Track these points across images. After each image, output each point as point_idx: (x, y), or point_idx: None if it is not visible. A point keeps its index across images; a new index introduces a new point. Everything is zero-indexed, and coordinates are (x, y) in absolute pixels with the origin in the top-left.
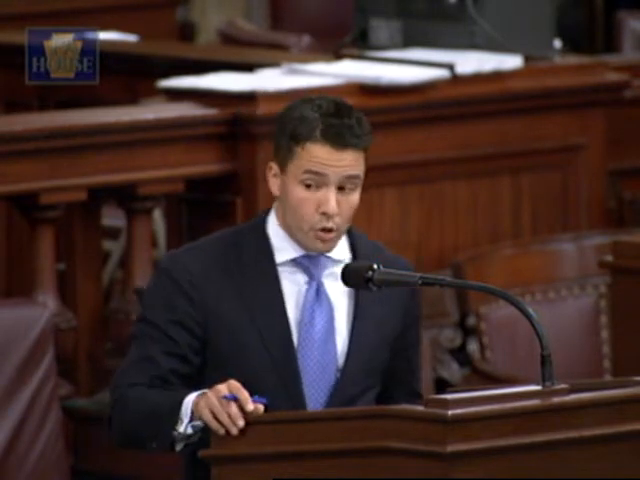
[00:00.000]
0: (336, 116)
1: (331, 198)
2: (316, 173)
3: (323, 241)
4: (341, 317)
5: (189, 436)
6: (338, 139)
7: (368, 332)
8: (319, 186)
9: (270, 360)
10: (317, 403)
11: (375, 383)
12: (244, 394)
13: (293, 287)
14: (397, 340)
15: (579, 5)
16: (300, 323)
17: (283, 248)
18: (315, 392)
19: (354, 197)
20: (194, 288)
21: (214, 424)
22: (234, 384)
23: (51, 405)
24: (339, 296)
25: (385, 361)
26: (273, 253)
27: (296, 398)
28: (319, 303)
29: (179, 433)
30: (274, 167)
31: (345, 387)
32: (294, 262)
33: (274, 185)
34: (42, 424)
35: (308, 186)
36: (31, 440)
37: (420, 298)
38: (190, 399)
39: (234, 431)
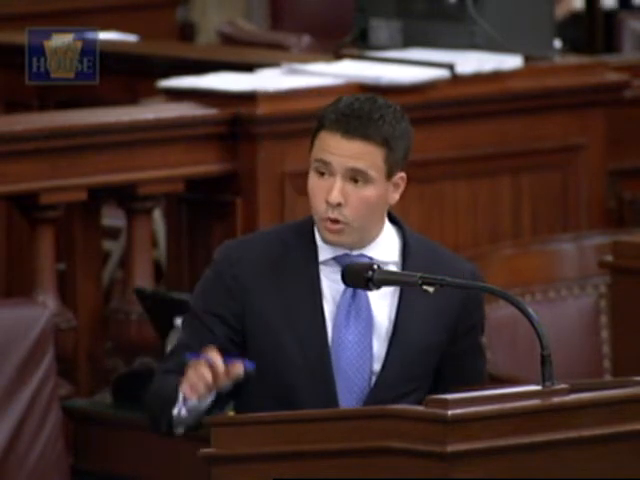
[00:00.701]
0: (357, 108)
1: (335, 187)
2: (322, 161)
3: (330, 231)
4: (381, 320)
5: (186, 419)
6: (346, 127)
7: (410, 337)
8: (330, 175)
9: (304, 358)
10: (350, 404)
11: (415, 388)
12: (213, 354)
13: (333, 286)
14: (448, 346)
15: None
16: (335, 324)
17: (326, 246)
18: (349, 393)
19: (367, 192)
20: (236, 282)
21: (188, 392)
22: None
23: (51, 405)
24: (381, 298)
25: (430, 365)
26: (317, 251)
27: (329, 397)
28: (355, 304)
29: (175, 416)
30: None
31: (380, 391)
32: (335, 261)
33: None
34: (42, 424)
35: (321, 174)
36: (31, 440)
37: (479, 307)
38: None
39: (200, 387)
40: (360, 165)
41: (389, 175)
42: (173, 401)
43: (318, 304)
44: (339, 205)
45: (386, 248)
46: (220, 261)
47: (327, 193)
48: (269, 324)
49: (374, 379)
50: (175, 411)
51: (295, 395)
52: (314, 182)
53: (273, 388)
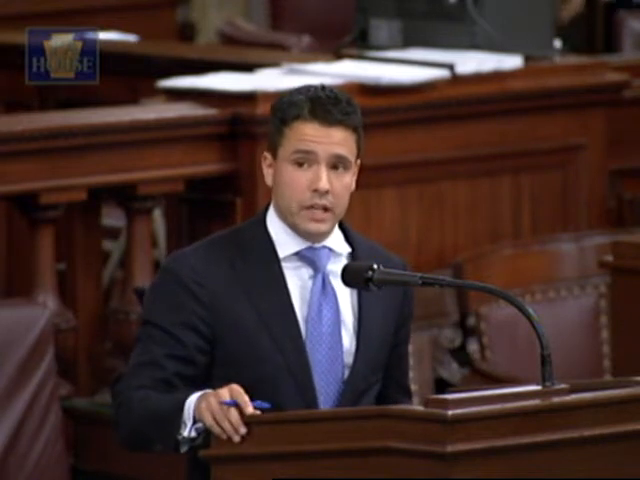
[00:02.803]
0: (324, 96)
1: (322, 175)
2: (305, 151)
3: (315, 220)
4: (346, 311)
5: (193, 439)
6: (326, 115)
7: (373, 328)
8: (310, 165)
9: (281, 357)
10: (328, 397)
11: (378, 378)
12: (244, 398)
13: (297, 282)
14: (393, 336)
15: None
16: (308, 317)
17: (285, 242)
18: (326, 385)
19: (346, 178)
20: (202, 288)
21: (216, 429)
22: (235, 389)
23: (51, 405)
24: (343, 290)
25: (386, 357)
26: (275, 248)
27: (308, 393)
28: (325, 296)
29: (183, 437)
30: (268, 157)
31: (355, 382)
32: (297, 256)
33: (268, 176)
34: (42, 424)
35: (300, 165)
36: (31, 440)
37: (412, 299)
38: (192, 401)
39: (236, 439)
40: (343, 151)
41: (355, 162)
42: (175, 422)
43: (287, 301)
44: (327, 192)
45: (337, 239)
46: (179, 270)
47: (312, 182)
48: (242, 327)
49: (347, 372)
50: (185, 433)
51: (276, 392)
52: (293, 173)
53: (253, 388)
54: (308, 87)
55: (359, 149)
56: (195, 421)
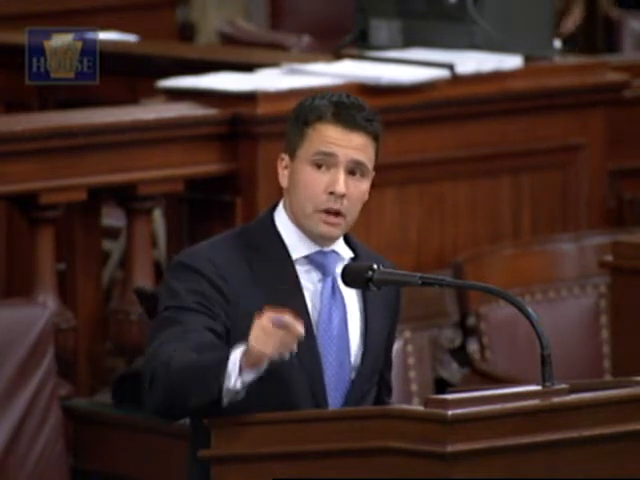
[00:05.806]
0: (348, 102)
1: (340, 178)
2: (326, 153)
3: (328, 224)
4: (354, 314)
5: (237, 392)
6: (349, 119)
7: (377, 329)
8: (328, 168)
9: (295, 357)
10: (336, 398)
11: (377, 379)
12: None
13: (308, 285)
14: (388, 337)
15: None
16: (319, 320)
17: (295, 245)
18: (334, 386)
19: (364, 185)
20: (222, 279)
21: (284, 348)
22: (269, 314)
23: (51, 405)
24: (349, 294)
25: (383, 357)
26: (288, 250)
27: (319, 394)
28: (334, 299)
29: (228, 389)
30: (285, 158)
31: (360, 383)
32: (307, 259)
33: (283, 177)
34: (42, 424)
35: (318, 167)
36: (31, 440)
37: (400, 300)
38: (237, 355)
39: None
40: (363, 157)
41: (372, 170)
42: (221, 372)
43: (302, 302)
44: (343, 196)
45: (342, 244)
46: (199, 265)
47: (329, 185)
48: None
49: (354, 373)
50: (230, 384)
51: (289, 392)
52: (311, 175)
53: (266, 387)
54: (331, 93)
55: (377, 158)
56: (241, 373)
